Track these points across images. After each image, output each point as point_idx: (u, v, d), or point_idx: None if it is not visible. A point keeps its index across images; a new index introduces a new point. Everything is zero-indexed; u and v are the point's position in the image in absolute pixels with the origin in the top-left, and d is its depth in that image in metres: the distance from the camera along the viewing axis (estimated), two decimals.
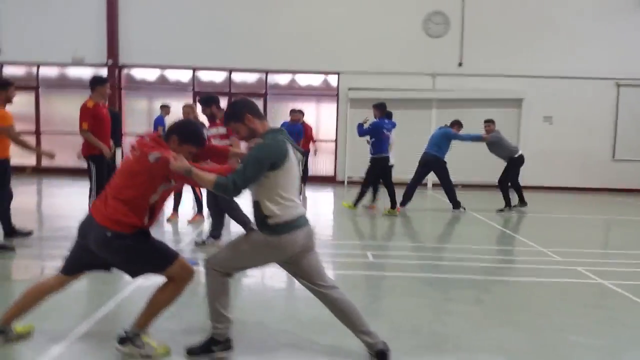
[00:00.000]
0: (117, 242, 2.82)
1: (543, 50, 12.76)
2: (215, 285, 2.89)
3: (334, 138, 13.24)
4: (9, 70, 12.76)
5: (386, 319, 3.73)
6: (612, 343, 3.41)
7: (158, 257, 2.95)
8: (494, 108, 12.92)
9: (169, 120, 11.11)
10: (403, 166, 9.72)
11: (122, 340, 2.93)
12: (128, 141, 9.80)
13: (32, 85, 12.42)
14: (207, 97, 5.82)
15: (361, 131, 8.68)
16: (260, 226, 2.86)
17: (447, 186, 9.05)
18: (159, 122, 11.05)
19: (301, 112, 10.72)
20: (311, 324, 3.48)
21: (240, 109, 2.92)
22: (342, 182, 13.09)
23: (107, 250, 2.85)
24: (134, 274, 3.01)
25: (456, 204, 9.04)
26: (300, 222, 2.87)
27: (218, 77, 13.26)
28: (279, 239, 2.80)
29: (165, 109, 11.20)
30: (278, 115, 12.92)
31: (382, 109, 8.63)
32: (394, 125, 8.99)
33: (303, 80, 13.44)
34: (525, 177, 12.59)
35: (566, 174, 13.13)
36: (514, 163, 9.20)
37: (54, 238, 6.05)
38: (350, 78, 12.84)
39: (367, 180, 8.70)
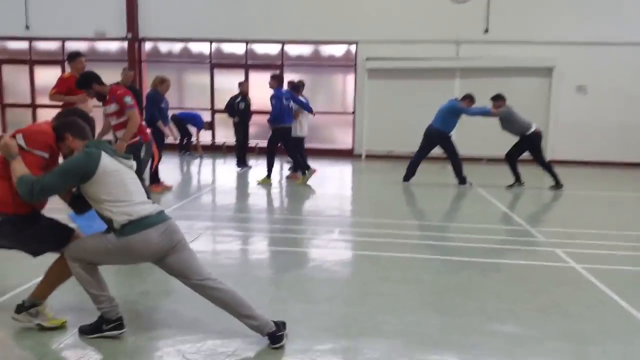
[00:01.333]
0: (8, 226, 2.86)
1: (576, 15, 11.80)
2: (80, 274, 2.88)
3: (352, 110, 12.94)
4: (39, 46, 13.29)
5: (310, 300, 3.64)
6: (532, 333, 3.17)
7: (54, 236, 3.00)
8: (522, 77, 12.24)
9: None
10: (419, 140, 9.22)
11: (19, 309, 3.00)
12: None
13: (60, 59, 12.85)
14: (82, 77, 5.11)
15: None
16: (110, 229, 2.85)
17: (454, 160, 8.74)
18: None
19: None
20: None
21: (62, 129, 2.96)
22: (359, 156, 12.82)
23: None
24: (34, 253, 3.06)
25: (462, 180, 8.71)
26: (150, 221, 2.82)
27: (237, 49, 13.19)
28: (127, 240, 2.77)
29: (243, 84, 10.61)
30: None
31: (277, 80, 8.68)
32: (291, 95, 8.84)
33: (325, 50, 13.11)
34: (557, 151, 11.97)
35: (602, 148, 12.22)
36: (528, 140, 8.62)
37: None
38: (369, 47, 12.41)
39: (269, 150, 8.77)
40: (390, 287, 3.91)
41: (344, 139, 13.20)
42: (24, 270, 3.76)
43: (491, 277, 4.24)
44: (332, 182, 9.34)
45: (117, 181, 2.83)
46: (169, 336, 3.03)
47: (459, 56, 12.36)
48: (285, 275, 4.16)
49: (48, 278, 3.04)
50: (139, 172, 5.00)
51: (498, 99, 8.71)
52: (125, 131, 5.07)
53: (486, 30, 12.22)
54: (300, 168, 8.84)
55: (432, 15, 12.21)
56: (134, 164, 3.06)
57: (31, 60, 13.19)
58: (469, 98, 8.81)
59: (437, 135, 8.64)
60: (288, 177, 9.36)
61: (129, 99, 5.05)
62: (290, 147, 8.78)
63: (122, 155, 2.99)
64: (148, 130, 5.45)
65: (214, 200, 7.39)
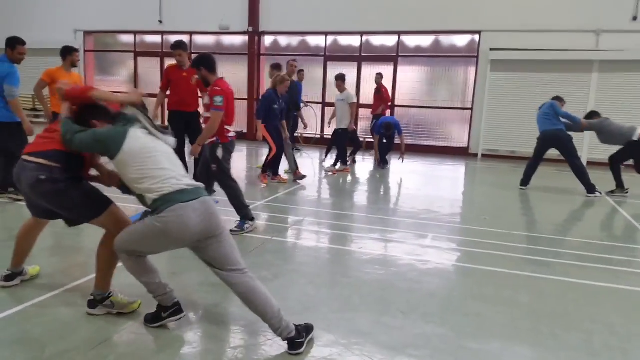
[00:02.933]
0: (61, 184, 2.90)
1: None
2: (130, 266, 2.84)
3: (470, 106, 12.12)
4: (171, 39, 14.24)
5: (384, 312, 3.35)
6: None
7: (96, 201, 3.01)
8: None
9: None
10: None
11: (92, 304, 3.05)
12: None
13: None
14: (196, 57, 5.00)
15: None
16: (147, 212, 2.78)
17: (575, 167, 7.76)
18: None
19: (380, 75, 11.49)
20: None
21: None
22: (475, 155, 11.99)
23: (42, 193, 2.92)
24: (72, 221, 3.12)
25: (590, 188, 7.68)
26: (185, 196, 2.67)
27: (353, 41, 13.00)
28: (161, 219, 2.63)
29: (300, 73, 11.38)
30: (407, 78, 12.42)
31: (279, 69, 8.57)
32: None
33: (444, 41, 12.40)
34: None
35: None
36: (633, 146, 7.56)
37: None
38: (493, 37, 11.50)
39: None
40: (478, 307, 3.47)
41: (460, 136, 12.45)
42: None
43: (604, 305, 3.59)
44: (439, 182, 8.79)
45: (148, 157, 2.75)
46: (222, 334, 2.95)
47: (599, 47, 10.97)
48: (362, 281, 3.89)
49: (99, 267, 3.05)
50: (224, 171, 4.97)
51: (592, 116, 8.03)
52: (203, 132, 4.93)
53: (635, 18, 10.70)
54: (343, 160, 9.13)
55: (567, 1, 10.98)
56: (172, 140, 2.97)
57: (162, 52, 14.26)
58: (559, 99, 8.02)
59: (556, 137, 7.74)
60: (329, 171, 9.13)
61: (218, 99, 4.76)
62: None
63: (159, 129, 2.92)
64: (232, 133, 5.10)
65: (308, 195, 7.29)
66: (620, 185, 7.90)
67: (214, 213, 2.76)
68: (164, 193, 2.67)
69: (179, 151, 5.32)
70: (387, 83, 12.14)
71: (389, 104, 12.02)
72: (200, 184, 2.87)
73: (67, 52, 6.29)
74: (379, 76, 11.51)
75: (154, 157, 2.76)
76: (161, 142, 2.88)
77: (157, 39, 14.40)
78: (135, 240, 2.76)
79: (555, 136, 7.73)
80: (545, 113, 7.85)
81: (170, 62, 13.64)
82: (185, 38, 13.91)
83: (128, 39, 14.78)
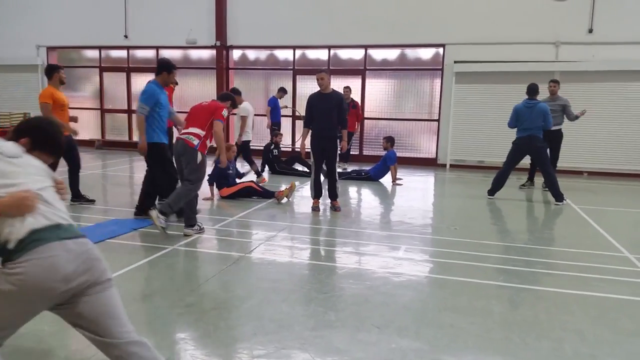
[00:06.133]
0: None
1: None
2: None
3: (437, 117, 12.33)
4: (137, 54, 14.11)
5: (360, 327, 3.34)
6: None
7: None
8: (632, 82, 10.94)
9: (283, 102, 11.39)
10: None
11: None
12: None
13: (154, 66, 13.51)
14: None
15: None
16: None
17: (548, 175, 7.96)
18: (271, 102, 11.31)
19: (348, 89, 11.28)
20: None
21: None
22: (444, 166, 12.19)
23: None
24: None
25: (559, 196, 7.86)
26: (55, 234, 2.01)
27: (321, 55, 13.09)
28: (18, 268, 1.91)
29: (281, 92, 11.39)
30: (375, 91, 12.60)
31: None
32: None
33: (410, 54, 12.61)
34: None
35: None
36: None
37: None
38: (457, 50, 11.77)
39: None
40: (452, 318, 3.50)
41: (428, 147, 12.63)
42: None
43: (574, 313, 3.67)
44: (409, 192, 8.88)
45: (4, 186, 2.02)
46: (199, 355, 2.88)
47: (559, 58, 11.33)
48: (337, 296, 3.88)
49: None
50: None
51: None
52: None
53: (590, 30, 11.11)
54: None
55: (528, 15, 11.33)
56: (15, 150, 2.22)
57: (129, 67, 14.06)
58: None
59: (546, 140, 8.16)
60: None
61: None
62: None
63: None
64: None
65: (279, 210, 7.26)
66: (529, 178, 9.36)
67: (97, 258, 2.11)
68: (32, 229, 1.97)
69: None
70: (355, 96, 12.23)
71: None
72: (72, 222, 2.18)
73: (54, 70, 7.07)
74: (348, 90, 11.31)
75: (14, 186, 2.04)
76: (17, 159, 2.16)
77: (122, 53, 14.19)
78: None
79: (544, 140, 8.04)
80: (545, 117, 7.94)
81: (137, 77, 13.68)
82: (151, 53, 13.84)
83: (93, 54, 14.50)
